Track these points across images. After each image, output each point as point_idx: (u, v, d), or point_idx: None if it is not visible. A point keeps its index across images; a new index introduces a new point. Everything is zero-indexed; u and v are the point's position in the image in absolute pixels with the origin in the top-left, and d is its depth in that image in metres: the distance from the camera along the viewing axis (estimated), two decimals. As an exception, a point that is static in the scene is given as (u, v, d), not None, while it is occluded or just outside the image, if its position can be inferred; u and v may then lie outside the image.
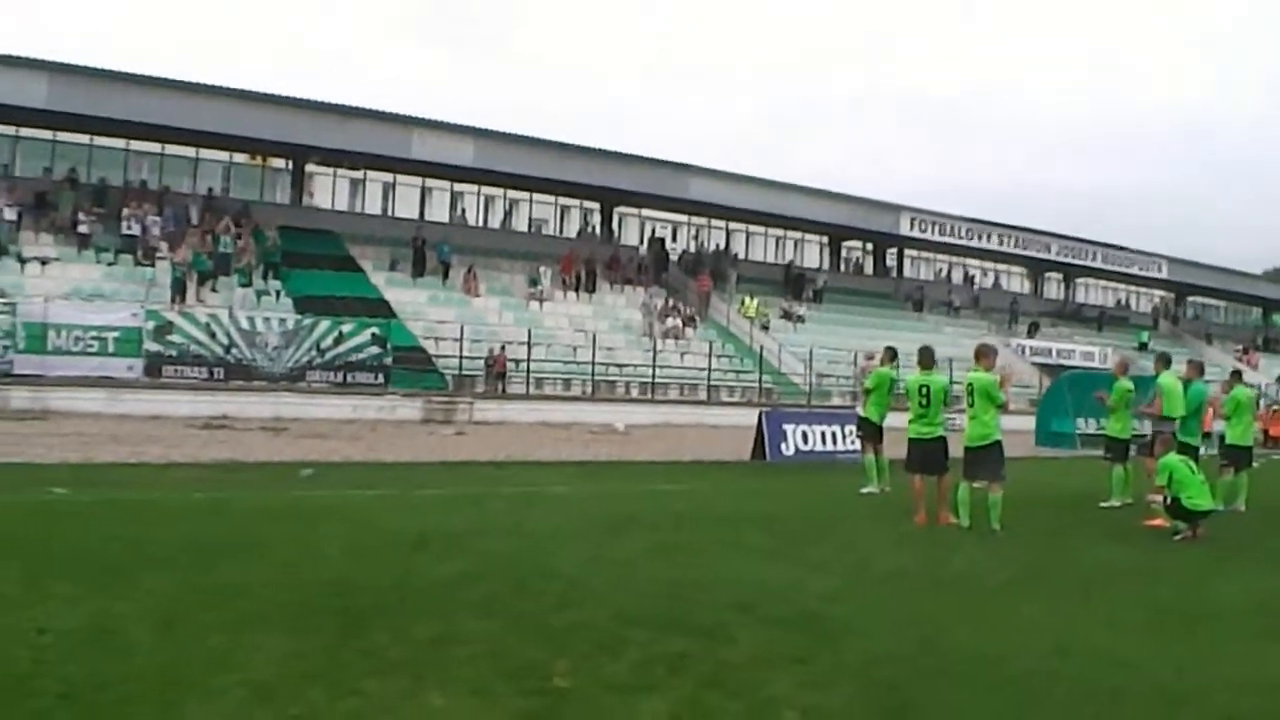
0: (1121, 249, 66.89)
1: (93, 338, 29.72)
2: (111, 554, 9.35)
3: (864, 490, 17.56)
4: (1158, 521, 14.43)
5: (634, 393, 39.46)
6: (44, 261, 34.32)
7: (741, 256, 57.26)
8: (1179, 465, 13.97)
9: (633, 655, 6.86)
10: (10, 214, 35.21)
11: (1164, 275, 69.29)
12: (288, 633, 6.99)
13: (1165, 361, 17.39)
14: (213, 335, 31.10)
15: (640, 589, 8.96)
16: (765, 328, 47.13)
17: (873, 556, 11.35)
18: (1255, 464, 22.81)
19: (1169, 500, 13.91)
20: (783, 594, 9.02)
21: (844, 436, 23.65)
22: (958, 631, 8.00)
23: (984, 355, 14.32)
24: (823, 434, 24.35)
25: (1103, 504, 17.07)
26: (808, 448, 24.00)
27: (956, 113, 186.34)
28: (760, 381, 41.86)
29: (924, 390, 14.43)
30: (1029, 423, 36.94)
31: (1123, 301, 75.85)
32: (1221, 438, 19.06)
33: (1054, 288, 72.15)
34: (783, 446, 23.69)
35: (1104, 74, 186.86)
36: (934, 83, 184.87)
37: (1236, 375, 19.17)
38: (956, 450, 14.27)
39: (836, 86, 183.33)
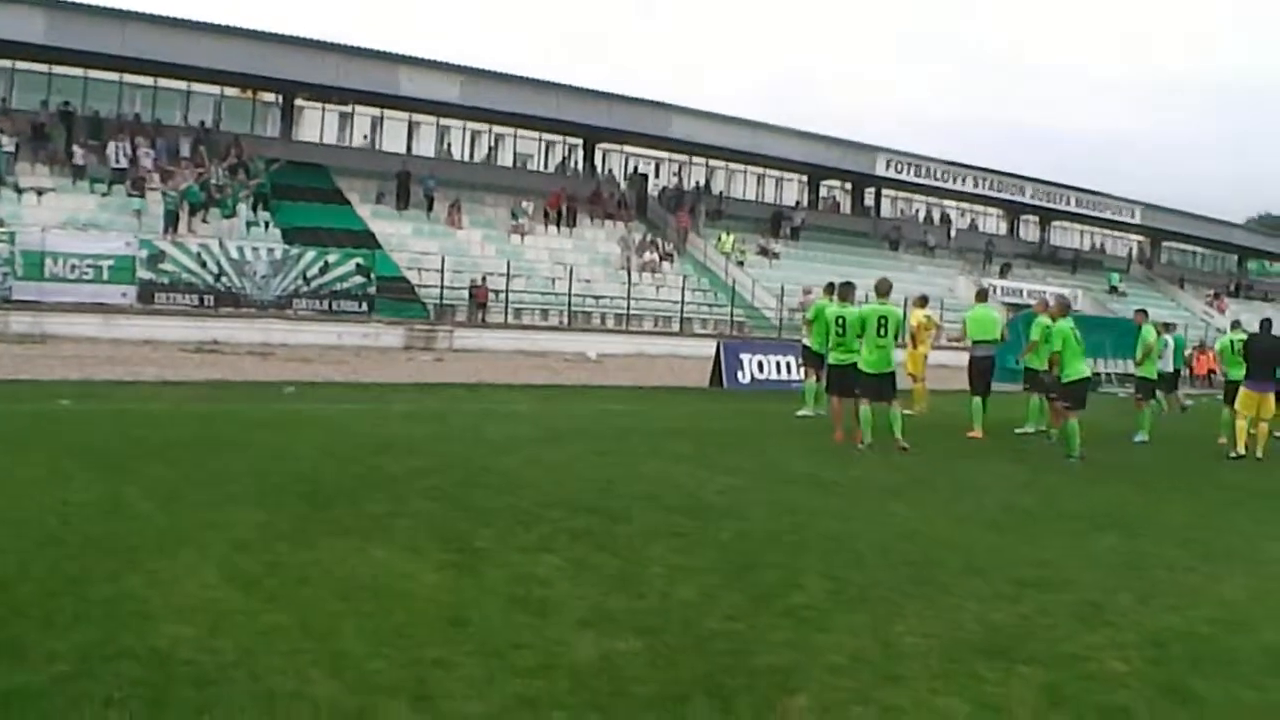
0: (1096, 193, 67.96)
1: (88, 265, 30.83)
2: (118, 450, 11.00)
3: (800, 413, 19.11)
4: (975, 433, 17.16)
5: (609, 324, 40.83)
6: (40, 192, 35.40)
7: (723, 193, 58.58)
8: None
9: (543, 529, 8.50)
10: (8, 146, 36.27)
11: (1137, 220, 70.38)
12: (263, 508, 8.63)
13: (983, 296, 19.30)
14: (203, 264, 32.28)
15: (566, 483, 10.63)
16: (741, 264, 48.43)
17: (780, 464, 13.00)
18: (1189, 403, 24.54)
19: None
20: (687, 489, 10.70)
21: (798, 367, 25.02)
22: (826, 520, 9.62)
23: (890, 290, 16.03)
24: (778, 364, 25.85)
25: (1017, 430, 18.69)
26: (763, 376, 25.53)
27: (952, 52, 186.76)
28: (732, 315, 43.27)
29: (840, 321, 16.04)
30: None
31: (1099, 245, 77.10)
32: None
33: (1031, 230, 73.35)
34: (739, 375, 25.24)
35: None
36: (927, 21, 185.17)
37: (1142, 314, 20.73)
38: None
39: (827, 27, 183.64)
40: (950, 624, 6.61)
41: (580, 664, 5.51)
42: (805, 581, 7.35)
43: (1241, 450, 17.26)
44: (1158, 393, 22.51)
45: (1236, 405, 17.76)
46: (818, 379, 19.47)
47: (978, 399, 18.19)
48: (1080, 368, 16.37)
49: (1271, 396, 17.68)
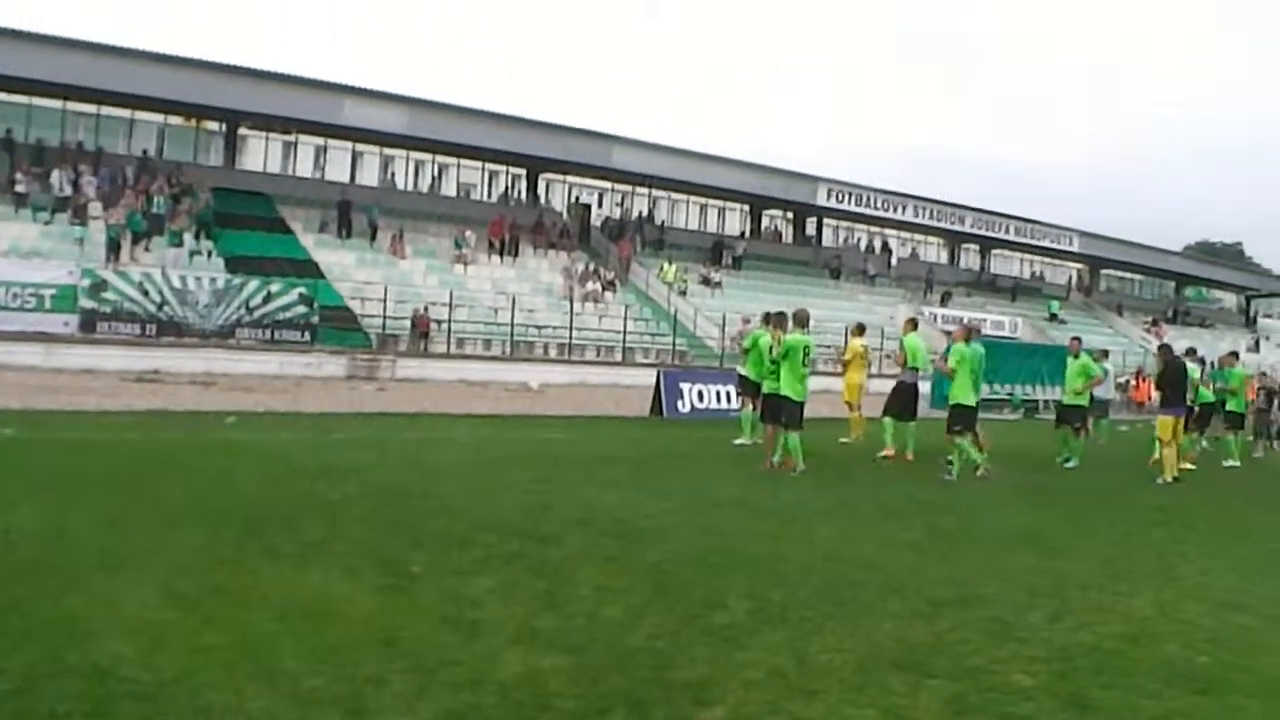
0: (1034, 222, 68.85)
1: (30, 294, 30.76)
2: (60, 477, 11.19)
3: (736, 441, 19.36)
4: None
5: (552, 353, 41.00)
6: (-19, 220, 35.34)
7: (666, 223, 58.99)
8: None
9: (477, 552, 8.75)
10: (-50, 174, 36.17)
11: (1075, 248, 71.34)
12: (203, 533, 8.84)
13: (913, 324, 20.44)
14: (146, 293, 32.22)
15: (501, 508, 10.90)
16: (683, 293, 48.75)
17: (713, 489, 13.31)
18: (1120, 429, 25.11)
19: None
20: (619, 513, 10.99)
21: (737, 396, 25.31)
22: (754, 543, 9.92)
23: (808, 320, 16.54)
24: (717, 393, 26.11)
25: (948, 457, 19.02)
26: (703, 405, 25.80)
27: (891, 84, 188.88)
28: (674, 344, 43.57)
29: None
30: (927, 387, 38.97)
31: (1038, 273, 78.11)
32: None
33: (971, 258, 74.16)
34: (679, 404, 25.51)
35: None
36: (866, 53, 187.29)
37: (1077, 341, 21.22)
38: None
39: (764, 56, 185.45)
40: (866, 641, 6.90)
41: (507, 680, 5.76)
42: (729, 601, 7.63)
43: (1170, 477, 17.68)
44: (1101, 419, 23.19)
45: (1159, 433, 18.18)
46: (754, 408, 19.75)
47: (889, 419, 18.65)
48: (965, 394, 16.83)
49: (1182, 419, 18.27)
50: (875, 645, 6.82)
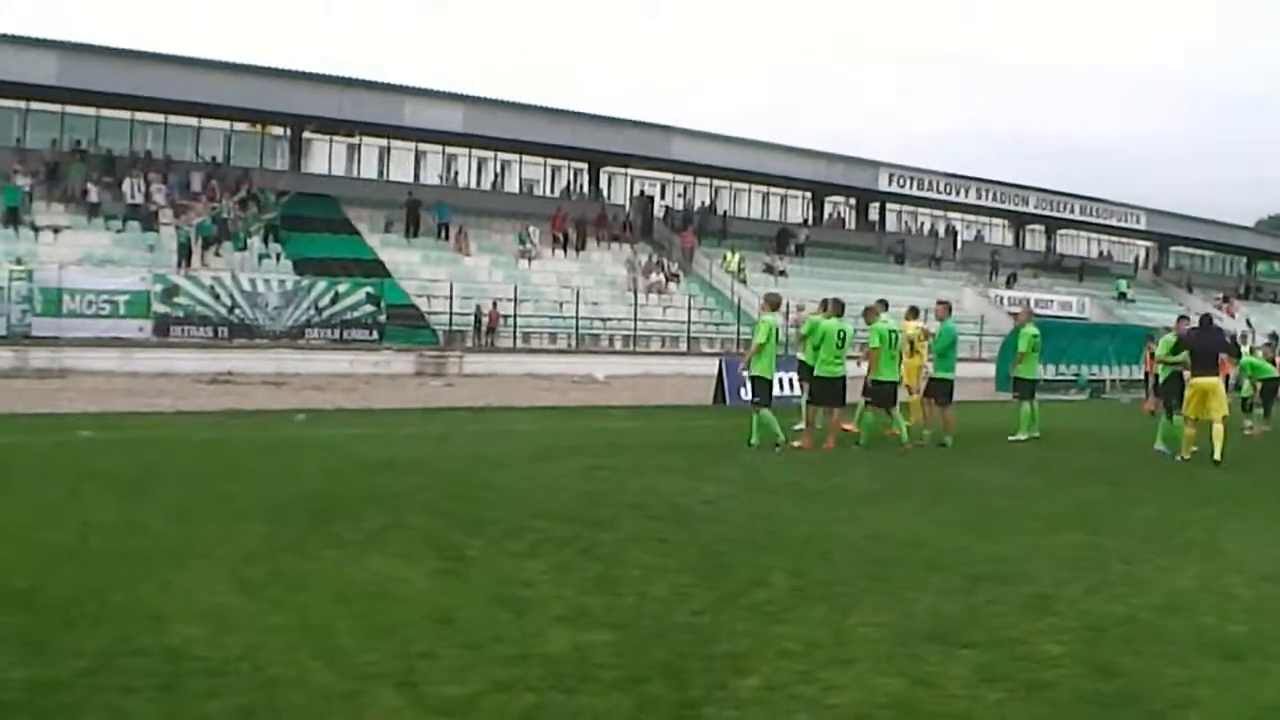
0: (1100, 201, 68.27)
1: (105, 301, 31.62)
2: (134, 475, 11.65)
3: (796, 427, 19.51)
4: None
5: (617, 345, 41.41)
6: (56, 230, 36.15)
7: (728, 213, 59.13)
8: None
9: (532, 537, 9.07)
10: (24, 184, 37.06)
11: (1142, 226, 70.67)
12: (269, 523, 9.25)
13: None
14: (217, 297, 33.05)
15: (557, 495, 11.23)
16: (744, 282, 48.89)
17: (768, 474, 13.58)
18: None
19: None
20: (673, 499, 11.27)
21: (800, 382, 25.39)
22: (802, 525, 10.16)
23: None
24: (780, 380, 26.15)
25: (1010, 437, 19.11)
26: (765, 392, 25.88)
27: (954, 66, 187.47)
28: (739, 333, 43.68)
29: (841, 334, 16.76)
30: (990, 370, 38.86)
31: (1105, 252, 77.38)
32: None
33: (1037, 239, 73.66)
34: (742, 391, 25.58)
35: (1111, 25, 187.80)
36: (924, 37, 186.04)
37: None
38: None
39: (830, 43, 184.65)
40: (903, 614, 7.12)
41: (553, 653, 6.07)
42: (772, 579, 7.89)
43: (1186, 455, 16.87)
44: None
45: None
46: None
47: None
48: (889, 371, 17.57)
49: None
50: (911, 618, 7.04)
